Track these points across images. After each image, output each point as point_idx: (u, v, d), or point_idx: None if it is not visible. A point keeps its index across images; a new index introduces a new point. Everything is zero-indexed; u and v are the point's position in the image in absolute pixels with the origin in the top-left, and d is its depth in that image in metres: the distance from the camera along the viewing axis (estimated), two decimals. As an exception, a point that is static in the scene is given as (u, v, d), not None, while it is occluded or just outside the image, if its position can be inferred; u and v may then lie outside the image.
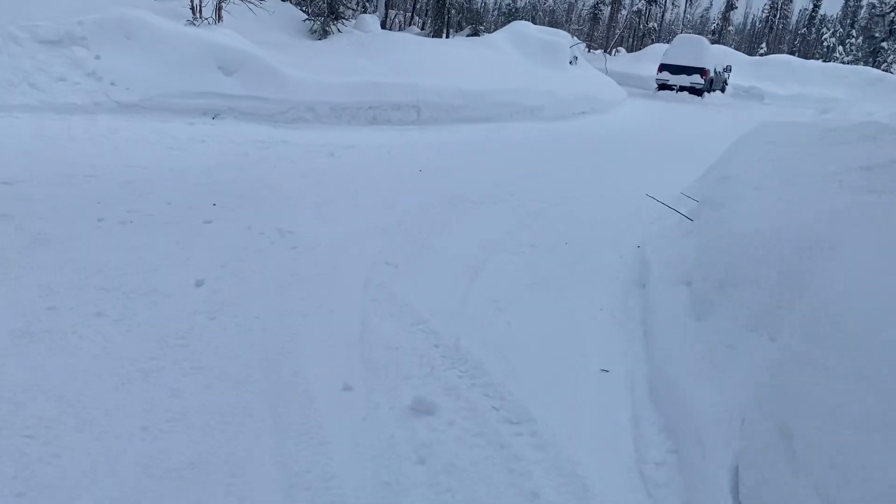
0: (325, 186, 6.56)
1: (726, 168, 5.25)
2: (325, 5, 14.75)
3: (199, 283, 3.93)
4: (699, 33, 57.48)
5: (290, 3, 16.62)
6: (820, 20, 76.47)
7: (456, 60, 13.24)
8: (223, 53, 9.63)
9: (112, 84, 8.68)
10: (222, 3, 12.13)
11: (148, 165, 6.56)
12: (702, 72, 24.63)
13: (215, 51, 9.60)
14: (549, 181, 8.03)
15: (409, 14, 29.25)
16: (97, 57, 8.85)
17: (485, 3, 53.01)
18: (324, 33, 14.39)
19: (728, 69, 28.46)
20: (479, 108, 12.28)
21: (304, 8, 15.71)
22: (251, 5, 12.46)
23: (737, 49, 45.20)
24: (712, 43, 30.24)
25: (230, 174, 6.62)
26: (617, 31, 39.00)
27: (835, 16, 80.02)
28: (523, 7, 39.52)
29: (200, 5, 11.75)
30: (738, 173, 4.63)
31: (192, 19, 11.44)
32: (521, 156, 9.60)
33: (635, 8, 39.07)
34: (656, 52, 32.23)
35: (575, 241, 5.64)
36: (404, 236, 5.26)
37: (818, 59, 43.08)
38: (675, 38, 27.14)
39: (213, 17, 11.95)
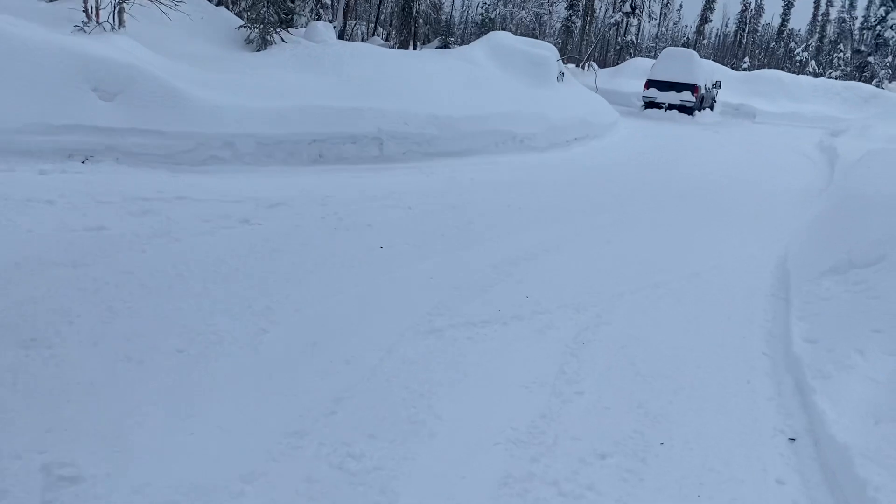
0: (211, 301, 3.78)
1: None
2: (267, 10, 11.96)
3: None
4: (674, 47, 55.66)
5: (226, 7, 13.84)
6: (788, 34, 75.61)
7: (428, 78, 10.55)
8: (101, 70, 6.81)
9: (-78, 115, 5.84)
10: (124, 5, 9.34)
11: None
12: (693, 88, 22.44)
13: (90, 67, 6.78)
14: (574, 263, 5.36)
15: (373, 25, 26.64)
16: None
17: (452, 16, 50.58)
18: (263, 43, 11.60)
19: (717, 85, 26.30)
20: (458, 138, 9.60)
21: (248, 14, 12.85)
22: (164, 7, 9.67)
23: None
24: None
25: (46, 278, 3.80)
26: (590, 44, 36.79)
27: (802, 30, 79.30)
28: (495, 18, 37.12)
29: (97, 7, 8.96)
30: None
31: (82, 24, 8.64)
32: (522, 211, 6.91)
33: (612, 20, 36.89)
34: (636, 67, 30.02)
35: (672, 434, 2.94)
36: (329, 462, 2.50)
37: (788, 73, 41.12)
38: (662, 52, 24.86)
39: (113, 21, 9.16)
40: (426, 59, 11.88)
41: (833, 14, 68.19)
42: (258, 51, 11.40)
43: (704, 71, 23.93)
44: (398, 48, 17.40)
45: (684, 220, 7.30)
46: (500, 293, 4.45)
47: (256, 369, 3.09)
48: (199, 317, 3.54)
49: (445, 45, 18.43)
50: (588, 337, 3.87)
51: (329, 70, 9.97)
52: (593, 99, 16.22)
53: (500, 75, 12.87)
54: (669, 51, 24.38)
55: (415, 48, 17.50)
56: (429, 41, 20.23)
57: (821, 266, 4.50)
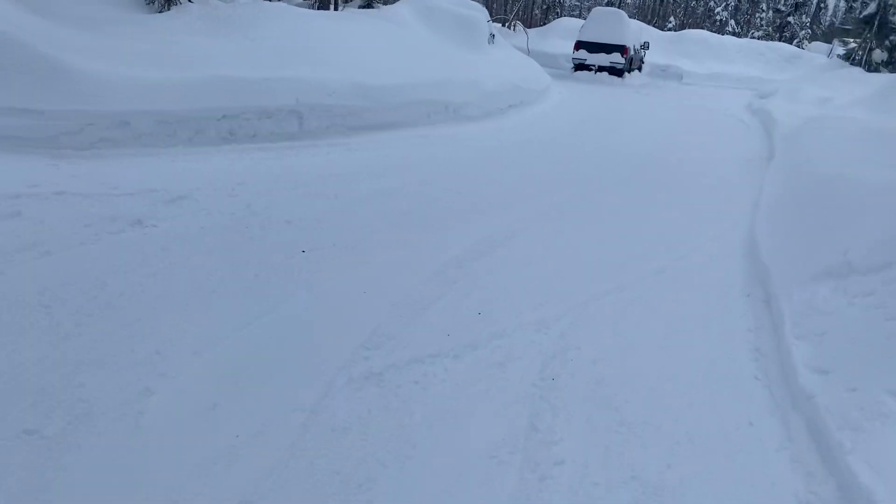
0: (81, 346, 2.95)
1: None
2: (170, -34, 10.70)
3: None
4: (602, 7, 55.01)
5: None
6: (708, -7, 76.32)
7: (352, 43, 9.63)
8: (-41, 37, 5.70)
9: None
10: (-5, -43, 8.04)
11: None
12: (622, 50, 22.07)
13: (-56, 32, 5.66)
14: (526, 261, 4.71)
15: (290, -18, 25.12)
16: None
17: (374, -28, 48.57)
18: (166, 4, 10.40)
19: (646, 46, 26.02)
20: (386, 109, 8.78)
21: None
22: (45, -39, 8.40)
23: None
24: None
25: None
26: (515, 3, 35.99)
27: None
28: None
29: (-37, -40, 7.66)
30: None
31: (-57, -19, 7.37)
32: (461, 195, 6.19)
33: (539, -22, 36.10)
34: (565, 27, 29.45)
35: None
36: None
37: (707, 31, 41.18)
38: (591, 12, 24.27)
39: (-18, -23, 7.87)
40: (349, 21, 10.90)
41: (751, -27, 69.14)
42: (160, 12, 10.18)
43: (633, 31, 23.55)
44: (318, 8, 16.24)
45: (633, 201, 6.73)
46: (447, 309, 3.76)
47: (134, 459, 2.31)
48: (62, 374, 2.71)
49: (369, 5, 17.32)
50: (556, 370, 3.22)
51: (241, 34, 8.92)
52: (525, 62, 15.55)
53: (429, 38, 12.02)
54: (598, 11, 23.81)
55: (336, 8, 16.37)
56: (351, 0, 19.03)
57: (809, 267, 3.95)
